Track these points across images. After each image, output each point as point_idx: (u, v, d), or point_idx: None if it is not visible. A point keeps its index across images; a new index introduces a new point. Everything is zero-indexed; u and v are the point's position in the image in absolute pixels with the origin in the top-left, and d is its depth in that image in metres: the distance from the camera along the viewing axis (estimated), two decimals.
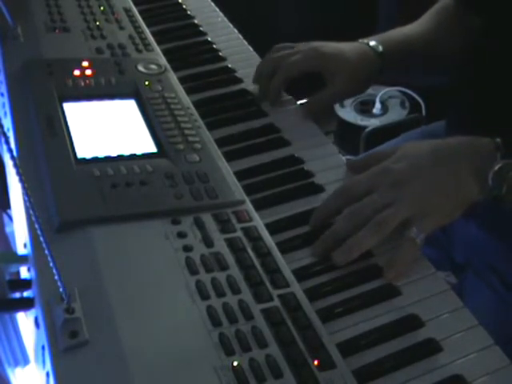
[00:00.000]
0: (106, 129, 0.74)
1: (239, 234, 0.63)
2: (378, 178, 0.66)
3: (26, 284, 0.59)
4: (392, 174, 0.66)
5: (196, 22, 1.05)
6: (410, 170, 0.66)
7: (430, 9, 0.96)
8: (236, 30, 1.03)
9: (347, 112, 1.92)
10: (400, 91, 1.95)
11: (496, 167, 0.65)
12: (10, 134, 0.72)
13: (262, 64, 0.89)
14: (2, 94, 0.80)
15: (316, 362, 0.52)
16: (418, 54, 0.92)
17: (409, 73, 0.98)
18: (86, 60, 0.83)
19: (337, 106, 1.92)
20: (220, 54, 0.97)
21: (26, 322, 0.61)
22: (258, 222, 0.65)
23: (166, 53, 0.92)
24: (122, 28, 0.94)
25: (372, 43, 0.88)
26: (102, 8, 0.98)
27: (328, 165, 0.77)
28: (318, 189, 0.73)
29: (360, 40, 0.90)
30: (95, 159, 0.68)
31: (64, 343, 0.51)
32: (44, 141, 0.69)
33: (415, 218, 0.63)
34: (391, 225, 0.63)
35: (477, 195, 0.66)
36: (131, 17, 0.98)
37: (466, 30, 0.89)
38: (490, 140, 0.67)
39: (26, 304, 0.57)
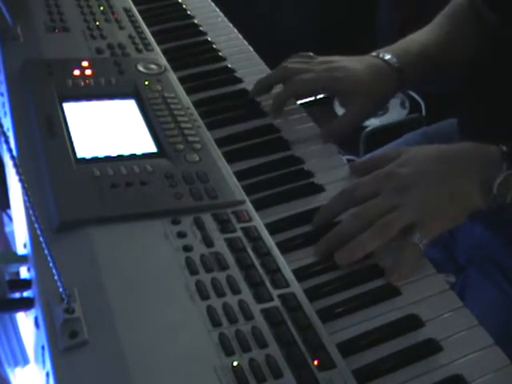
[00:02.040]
0: (105, 129, 0.74)
1: (239, 234, 0.63)
2: (383, 181, 0.67)
3: (25, 284, 0.59)
4: (397, 177, 0.66)
5: (196, 21, 1.05)
6: (415, 175, 0.66)
7: (444, 9, 0.94)
8: (236, 30, 1.03)
9: None
10: None
11: (501, 177, 0.65)
12: (10, 134, 0.72)
13: (274, 72, 0.88)
14: (2, 94, 0.80)
15: (316, 362, 0.52)
16: (436, 64, 0.89)
17: (425, 83, 0.96)
18: (86, 60, 0.83)
19: (337, 106, 1.92)
20: (220, 53, 0.97)
21: (25, 322, 0.61)
22: (258, 222, 0.65)
23: (165, 53, 0.92)
24: (121, 28, 0.94)
25: (387, 57, 0.86)
26: (101, 8, 0.98)
27: (328, 165, 0.77)
28: (318, 189, 0.73)
29: (375, 53, 0.87)
30: (95, 159, 0.68)
31: (64, 343, 0.51)
32: (44, 141, 0.69)
33: (419, 223, 0.64)
34: (395, 228, 0.63)
35: (480, 203, 0.66)
36: (131, 17, 0.98)
37: (481, 29, 0.88)
38: (496, 148, 0.67)
39: (25, 304, 0.57)
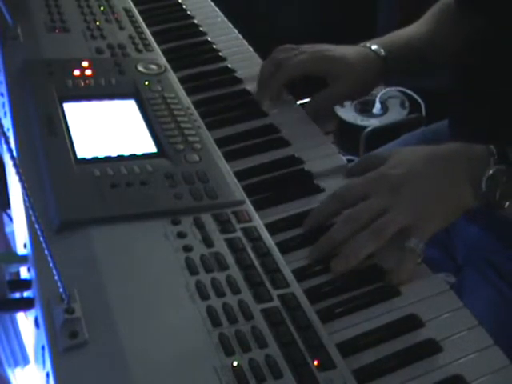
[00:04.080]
0: (106, 129, 0.74)
1: (239, 234, 0.63)
2: (375, 183, 0.67)
3: (26, 284, 0.59)
4: (389, 179, 0.66)
5: (196, 22, 1.05)
6: (407, 176, 0.66)
7: (431, 8, 0.96)
8: (236, 30, 1.03)
9: (347, 112, 1.92)
10: (400, 91, 1.95)
11: (489, 173, 0.65)
12: (10, 134, 0.72)
13: (264, 64, 0.89)
14: (2, 94, 0.80)
15: (316, 362, 0.52)
16: (421, 57, 0.92)
17: (411, 76, 0.98)
18: (86, 60, 0.83)
19: (337, 106, 1.92)
20: (220, 54, 0.97)
21: (26, 322, 0.61)
22: (258, 222, 0.65)
23: (165, 53, 0.92)
24: (121, 28, 0.94)
25: (374, 47, 0.88)
26: (101, 8, 0.98)
27: (328, 165, 0.77)
28: (317, 189, 0.73)
29: (362, 44, 0.90)
30: (95, 159, 0.68)
31: (64, 343, 0.51)
32: (44, 141, 0.69)
33: (413, 226, 0.64)
34: (389, 231, 0.63)
35: (472, 201, 0.66)
36: (131, 17, 0.98)
37: (467, 28, 0.89)
38: (483, 146, 0.68)
39: (26, 304, 0.57)
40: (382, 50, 0.88)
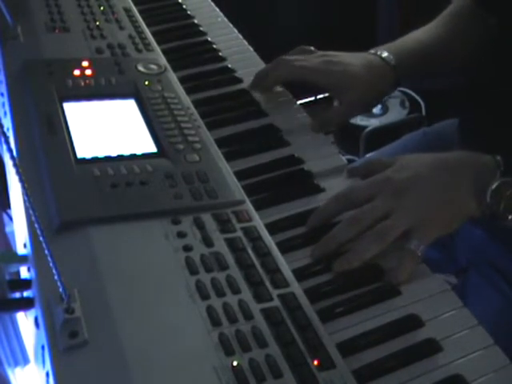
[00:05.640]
0: (105, 129, 0.74)
1: (239, 233, 0.63)
2: (380, 186, 0.67)
3: (25, 284, 0.59)
4: (393, 183, 0.66)
5: (196, 21, 1.05)
6: (412, 181, 0.66)
7: (444, 11, 0.94)
8: (236, 30, 1.03)
9: None
10: (400, 91, 1.95)
11: (495, 185, 0.65)
12: (10, 134, 0.72)
13: (270, 63, 0.89)
14: (2, 94, 0.80)
15: (316, 362, 0.52)
16: (433, 62, 0.91)
17: (422, 79, 0.97)
18: (86, 60, 0.83)
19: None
20: (220, 53, 0.97)
21: (25, 322, 0.61)
22: (258, 222, 0.65)
23: (165, 53, 0.92)
24: (121, 28, 0.94)
25: (384, 55, 0.86)
26: (101, 8, 0.98)
27: (328, 165, 0.77)
28: (317, 189, 0.73)
29: (372, 50, 0.88)
30: (95, 159, 0.68)
31: (64, 343, 0.51)
32: (44, 140, 0.69)
33: (415, 229, 0.64)
34: (392, 235, 0.63)
35: (475, 210, 0.66)
36: (131, 17, 0.98)
37: (482, 30, 0.88)
38: (490, 157, 0.68)
39: (25, 304, 0.57)
40: (392, 58, 0.86)
